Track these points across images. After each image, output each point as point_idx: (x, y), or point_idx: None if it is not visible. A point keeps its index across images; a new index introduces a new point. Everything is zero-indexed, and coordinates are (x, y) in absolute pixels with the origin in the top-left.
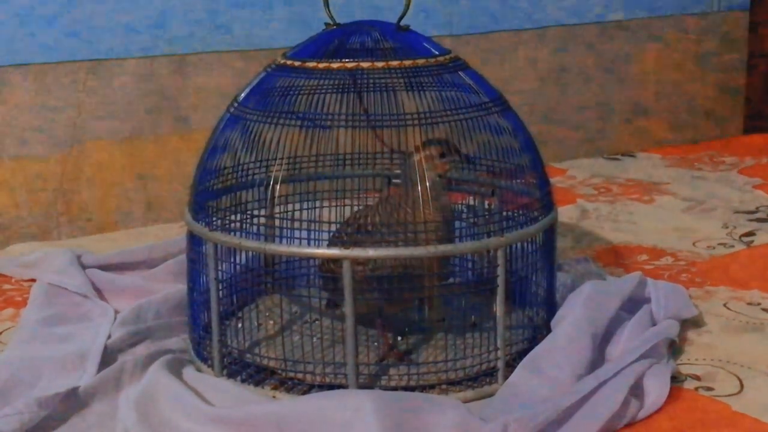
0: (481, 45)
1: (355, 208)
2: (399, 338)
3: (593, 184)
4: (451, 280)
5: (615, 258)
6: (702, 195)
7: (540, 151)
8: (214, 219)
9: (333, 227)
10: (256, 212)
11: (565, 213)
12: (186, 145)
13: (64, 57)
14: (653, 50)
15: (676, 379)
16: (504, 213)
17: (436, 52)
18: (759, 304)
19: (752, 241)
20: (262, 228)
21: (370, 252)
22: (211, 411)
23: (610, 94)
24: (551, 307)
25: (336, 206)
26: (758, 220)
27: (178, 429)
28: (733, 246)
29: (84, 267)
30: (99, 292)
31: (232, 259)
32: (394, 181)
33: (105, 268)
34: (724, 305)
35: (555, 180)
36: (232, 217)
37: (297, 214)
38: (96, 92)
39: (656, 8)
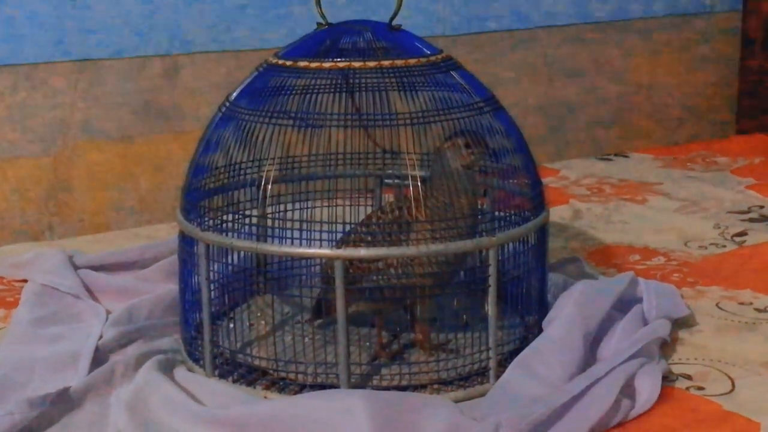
0: (473, 45)
1: (348, 208)
2: (392, 337)
3: (586, 184)
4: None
5: (607, 258)
6: (694, 195)
7: (532, 151)
8: (206, 219)
9: (325, 227)
10: (248, 212)
11: (558, 213)
12: (178, 146)
13: (55, 57)
14: (646, 50)
15: (667, 378)
16: (496, 213)
17: (428, 52)
18: (751, 303)
19: (744, 241)
20: (254, 228)
21: (362, 252)
22: (203, 411)
23: (602, 94)
24: (543, 306)
25: (329, 206)
26: (750, 220)
27: (169, 429)
28: (725, 246)
29: (76, 267)
30: (91, 293)
31: (224, 259)
32: (386, 181)
33: (97, 268)
34: (716, 305)
35: (547, 180)
36: (224, 217)
37: (289, 214)
38: (88, 92)
39: (649, 8)
